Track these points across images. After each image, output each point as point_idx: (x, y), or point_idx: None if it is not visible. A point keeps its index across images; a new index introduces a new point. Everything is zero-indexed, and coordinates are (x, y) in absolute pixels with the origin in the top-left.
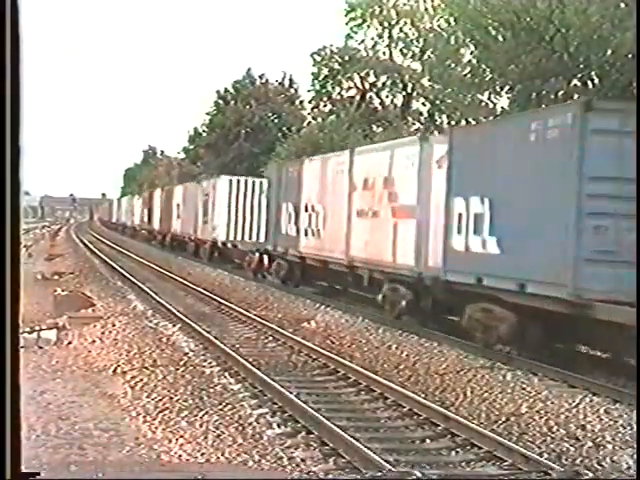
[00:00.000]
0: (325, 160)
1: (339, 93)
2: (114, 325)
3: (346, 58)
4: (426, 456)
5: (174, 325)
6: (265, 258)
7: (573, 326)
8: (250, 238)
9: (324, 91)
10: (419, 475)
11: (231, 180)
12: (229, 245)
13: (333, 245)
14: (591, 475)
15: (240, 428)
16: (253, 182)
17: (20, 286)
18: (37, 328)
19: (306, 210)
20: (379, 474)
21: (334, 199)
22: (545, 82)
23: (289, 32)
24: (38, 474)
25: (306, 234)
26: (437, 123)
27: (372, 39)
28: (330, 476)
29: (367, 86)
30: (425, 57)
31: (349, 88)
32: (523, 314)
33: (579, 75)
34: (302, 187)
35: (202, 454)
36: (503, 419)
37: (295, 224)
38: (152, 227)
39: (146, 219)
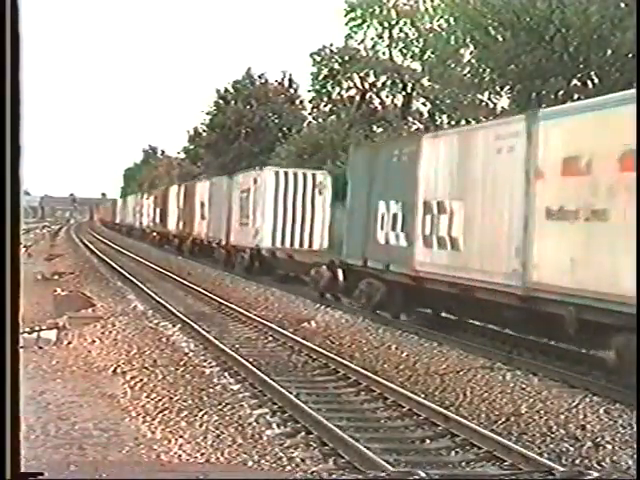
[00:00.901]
0: (467, 134)
1: (339, 93)
2: (114, 325)
3: (346, 58)
4: (426, 456)
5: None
6: (340, 274)
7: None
8: (311, 245)
9: (324, 91)
10: (423, 475)
11: (278, 172)
12: (279, 254)
13: (488, 262)
14: (594, 474)
15: (240, 428)
16: (311, 175)
17: (20, 286)
18: (37, 328)
19: (427, 209)
20: (382, 474)
21: (489, 192)
22: (545, 82)
23: (289, 32)
24: (38, 474)
25: (427, 244)
26: (437, 123)
27: (372, 39)
28: (332, 476)
29: (367, 86)
30: (425, 57)
31: (349, 88)
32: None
33: (579, 75)
34: (419, 176)
35: (202, 454)
36: (503, 419)
37: (404, 229)
38: (166, 229)
39: (158, 220)
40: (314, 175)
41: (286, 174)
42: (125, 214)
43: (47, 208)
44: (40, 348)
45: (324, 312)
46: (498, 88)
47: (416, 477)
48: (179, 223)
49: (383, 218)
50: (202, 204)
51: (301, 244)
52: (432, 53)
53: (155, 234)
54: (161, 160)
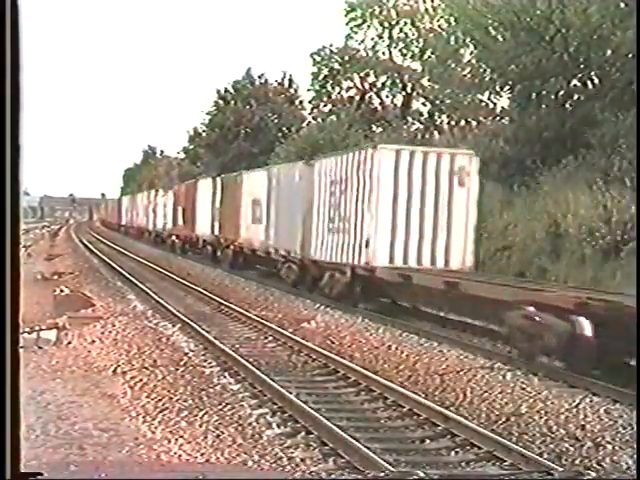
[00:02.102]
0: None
1: (339, 93)
2: (114, 325)
3: (346, 58)
4: (426, 456)
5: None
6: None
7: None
8: (447, 263)
9: (324, 91)
10: (422, 475)
11: (399, 153)
12: (415, 279)
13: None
14: (593, 475)
15: (240, 428)
16: (449, 157)
17: (20, 286)
18: (37, 328)
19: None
20: (382, 474)
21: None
22: (545, 82)
23: (289, 32)
24: (37, 474)
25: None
26: (437, 123)
27: (372, 39)
28: (332, 476)
29: (367, 86)
30: (425, 57)
31: (349, 88)
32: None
33: (579, 75)
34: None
35: (202, 454)
36: (503, 419)
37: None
38: (192, 234)
39: (180, 222)
40: (453, 157)
41: (412, 155)
42: (133, 215)
43: (46, 208)
44: (40, 348)
45: (324, 312)
46: (498, 88)
47: (415, 477)
48: (214, 226)
49: None
50: (255, 203)
51: (433, 261)
52: (432, 53)
53: (175, 239)
54: (160, 160)
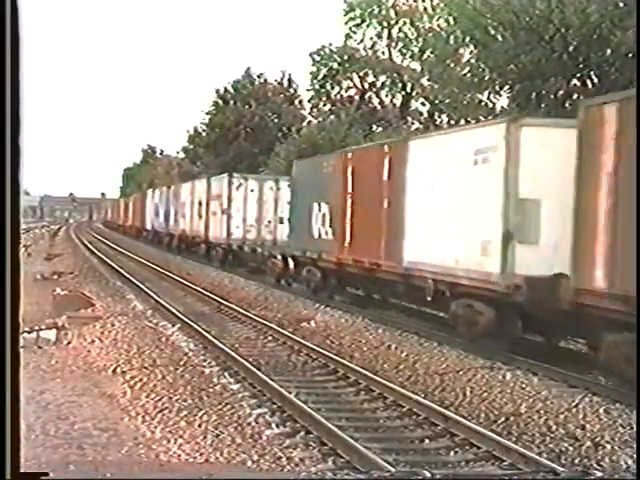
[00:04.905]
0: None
1: (338, 93)
2: (113, 325)
3: (345, 58)
4: (425, 456)
5: None
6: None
7: None
8: None
9: (323, 91)
10: (428, 475)
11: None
12: None
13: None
14: (598, 474)
15: (239, 428)
16: None
17: (20, 286)
18: (37, 328)
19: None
20: (386, 474)
21: None
22: (545, 82)
23: (289, 32)
24: (37, 474)
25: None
26: (437, 123)
27: (371, 39)
28: (336, 476)
29: (366, 86)
30: (424, 57)
31: (348, 88)
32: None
33: (579, 75)
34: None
35: (201, 454)
36: (503, 419)
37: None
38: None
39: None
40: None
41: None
42: (154, 214)
43: (46, 208)
44: (40, 348)
45: (323, 311)
46: (498, 88)
47: (420, 477)
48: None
49: None
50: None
51: None
52: (431, 53)
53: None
54: (160, 160)
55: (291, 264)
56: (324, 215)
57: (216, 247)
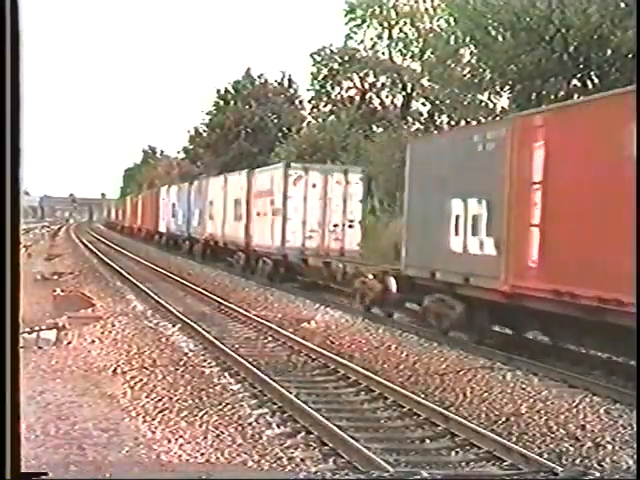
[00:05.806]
0: None
1: (339, 93)
2: (114, 325)
3: (346, 58)
4: (426, 456)
5: None
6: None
7: None
8: None
9: (323, 91)
10: (426, 475)
11: None
12: None
13: None
14: (597, 474)
15: (240, 428)
16: None
17: (20, 286)
18: (37, 328)
19: None
20: (386, 474)
21: None
22: (545, 82)
23: (289, 32)
24: (38, 474)
25: None
26: (437, 123)
27: (372, 39)
28: (332, 476)
29: (367, 86)
30: (425, 57)
31: (349, 88)
32: None
33: (579, 75)
34: None
35: (202, 454)
36: (503, 419)
37: None
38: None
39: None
40: None
41: None
42: (171, 216)
43: (47, 208)
44: (40, 348)
45: (323, 312)
46: (498, 88)
47: (418, 477)
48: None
49: None
50: None
51: None
52: (432, 53)
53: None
54: (160, 160)
55: (394, 287)
56: (476, 218)
57: (262, 257)
